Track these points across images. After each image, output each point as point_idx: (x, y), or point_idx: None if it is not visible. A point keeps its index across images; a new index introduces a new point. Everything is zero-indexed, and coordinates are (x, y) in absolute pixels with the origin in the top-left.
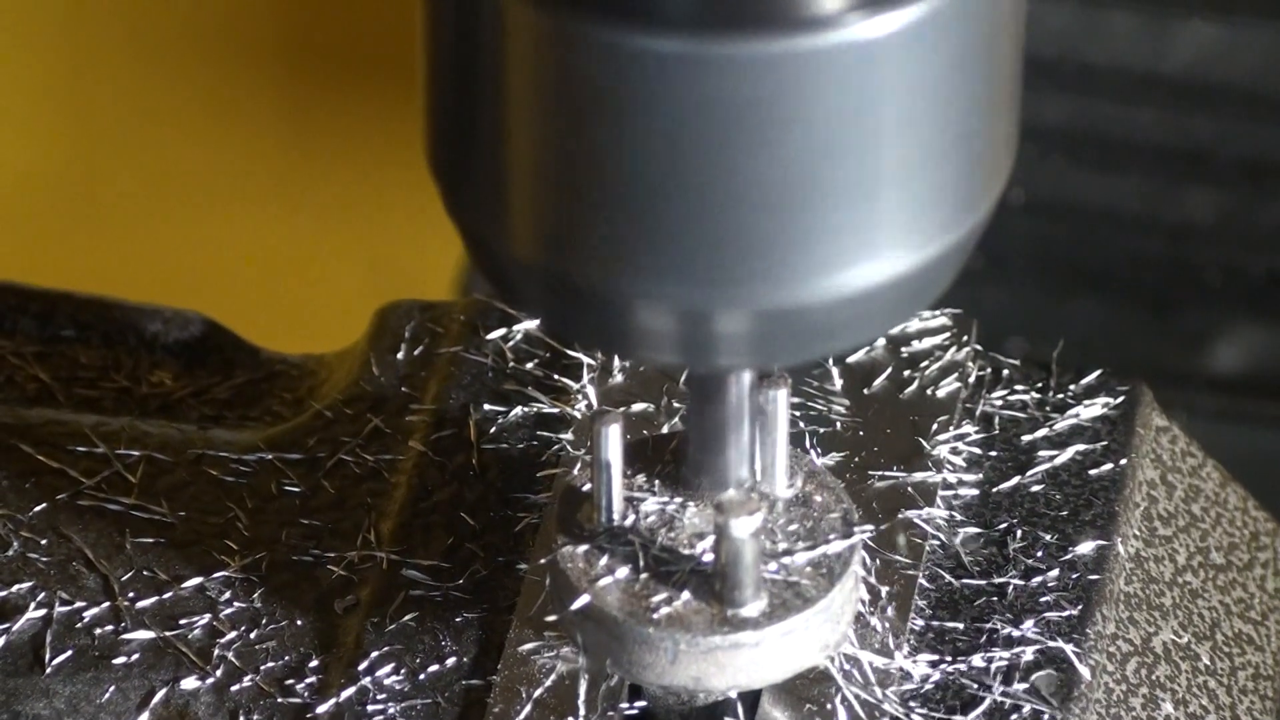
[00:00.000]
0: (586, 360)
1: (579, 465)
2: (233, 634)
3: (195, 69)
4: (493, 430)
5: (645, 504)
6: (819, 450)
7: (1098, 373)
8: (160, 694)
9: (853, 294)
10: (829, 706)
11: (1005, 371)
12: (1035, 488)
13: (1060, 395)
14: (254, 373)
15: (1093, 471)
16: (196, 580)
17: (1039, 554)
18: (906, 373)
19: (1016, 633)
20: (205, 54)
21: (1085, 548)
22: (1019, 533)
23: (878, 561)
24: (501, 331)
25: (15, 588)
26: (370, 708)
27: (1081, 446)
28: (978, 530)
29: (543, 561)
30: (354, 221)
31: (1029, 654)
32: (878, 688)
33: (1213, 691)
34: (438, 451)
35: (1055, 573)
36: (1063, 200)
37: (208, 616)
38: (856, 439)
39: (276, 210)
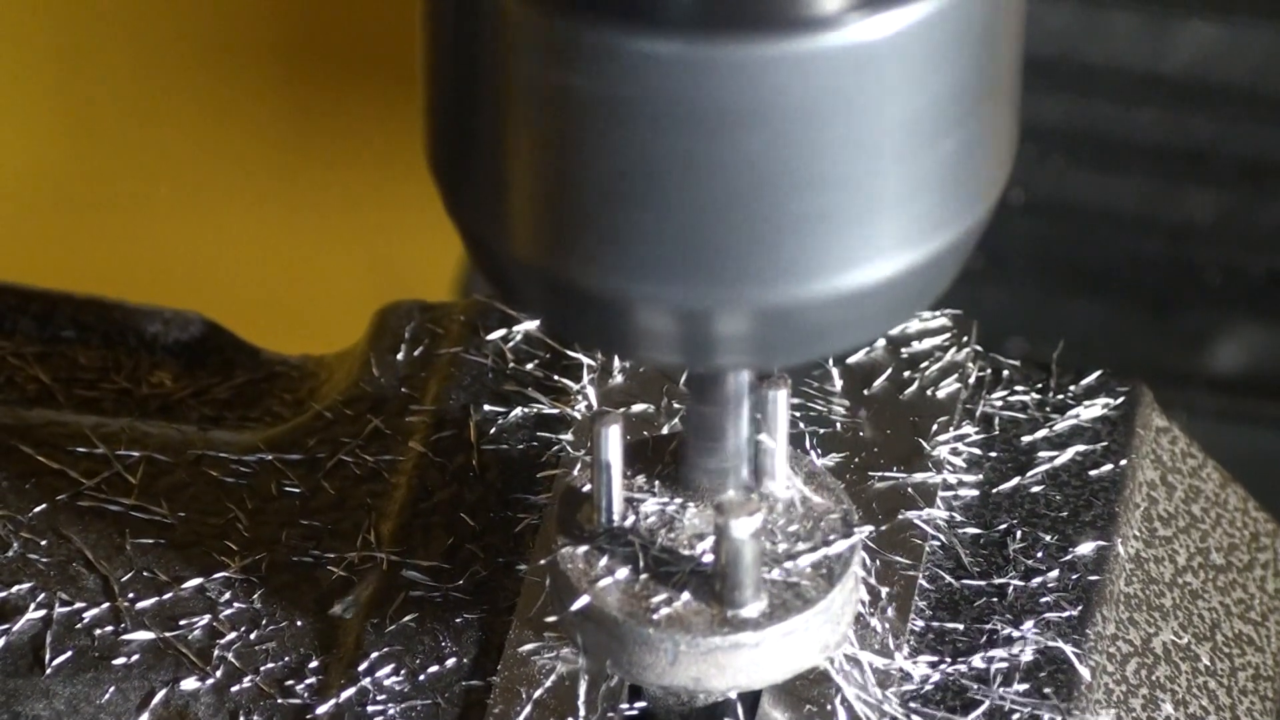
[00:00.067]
0: (586, 361)
1: (579, 466)
2: (233, 635)
3: (195, 69)
4: (493, 431)
5: (645, 505)
6: (819, 451)
7: (1098, 373)
8: (160, 695)
9: (852, 294)
10: (829, 707)
11: (1005, 372)
12: (1035, 488)
13: (1060, 396)
14: (254, 373)
15: (1093, 472)
16: (196, 581)
17: (1039, 555)
18: (906, 373)
19: (1016, 633)
20: (205, 54)
21: (1085, 548)
22: (1019, 533)
23: (878, 562)
24: (501, 332)
25: (15, 588)
26: (370, 708)
27: (1081, 447)
28: (978, 531)
29: (543, 562)
30: (354, 221)
31: (1029, 655)
32: (878, 689)
33: (1213, 692)
34: (438, 452)
35: (1055, 573)
36: (1062, 200)
37: (207, 617)
38: (856, 439)
39: (276, 210)
